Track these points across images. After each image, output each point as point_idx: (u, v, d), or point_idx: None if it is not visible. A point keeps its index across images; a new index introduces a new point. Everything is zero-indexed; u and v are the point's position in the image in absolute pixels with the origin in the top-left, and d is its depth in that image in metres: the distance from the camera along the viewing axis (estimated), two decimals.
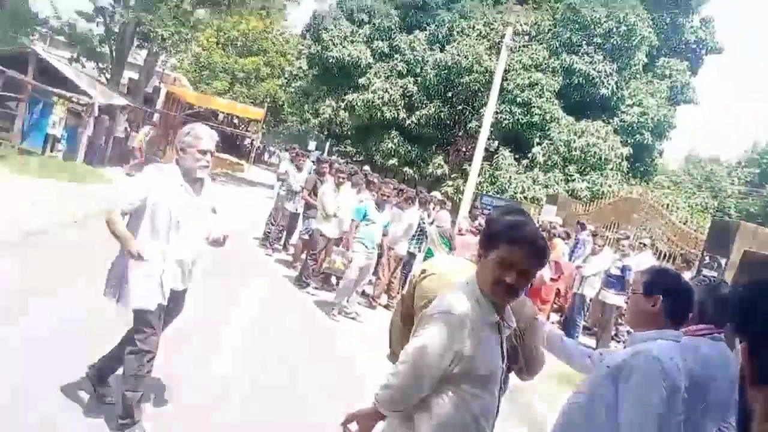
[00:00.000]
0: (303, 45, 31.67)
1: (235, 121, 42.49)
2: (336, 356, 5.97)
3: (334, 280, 8.82)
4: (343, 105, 24.81)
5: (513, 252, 1.95)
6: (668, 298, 2.40)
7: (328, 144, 33.51)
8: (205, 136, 3.44)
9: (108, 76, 21.47)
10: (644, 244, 9.85)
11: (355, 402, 4.65)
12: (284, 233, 10.60)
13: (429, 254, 7.33)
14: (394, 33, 24.43)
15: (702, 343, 2.81)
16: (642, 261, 8.76)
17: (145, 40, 20.93)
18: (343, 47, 24.13)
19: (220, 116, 38.95)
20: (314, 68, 27.62)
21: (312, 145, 37.40)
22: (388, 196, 8.14)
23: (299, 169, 10.30)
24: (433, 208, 11.29)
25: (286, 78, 39.19)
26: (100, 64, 22.59)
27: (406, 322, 2.70)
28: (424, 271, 2.60)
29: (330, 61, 24.45)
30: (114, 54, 21.17)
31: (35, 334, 4.34)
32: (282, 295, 7.75)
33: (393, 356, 2.71)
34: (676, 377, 2.21)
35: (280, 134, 53.17)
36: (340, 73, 24.84)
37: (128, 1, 20.12)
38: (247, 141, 41.50)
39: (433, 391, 1.96)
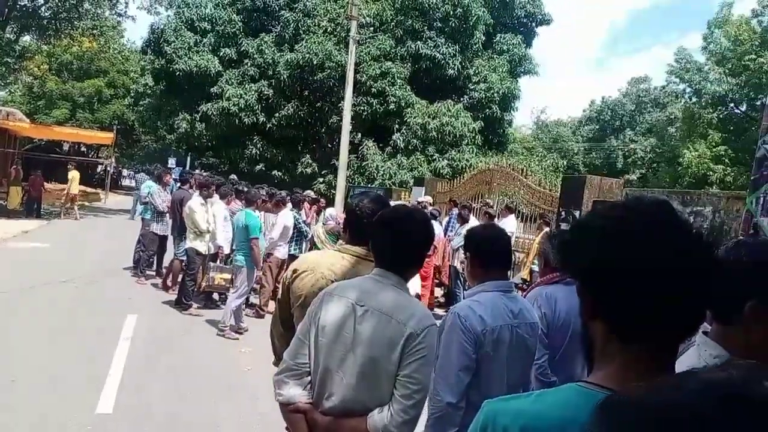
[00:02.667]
0: (145, 61, 30.08)
1: (83, 149, 39.66)
2: (238, 372, 5.87)
3: (216, 296, 8.63)
4: (198, 117, 23.94)
5: None
6: (476, 253, 2.58)
7: (189, 158, 32.18)
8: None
9: None
10: (509, 209, 10.46)
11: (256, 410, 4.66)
12: (155, 257, 10.17)
13: None
14: (240, 38, 23.94)
15: (555, 290, 3.12)
16: (506, 224, 9.41)
17: None
18: (189, 58, 23.19)
19: (65, 146, 36.18)
20: (161, 83, 26.33)
21: (172, 161, 35.74)
22: (256, 202, 8.02)
23: (165, 188, 9.91)
24: (310, 207, 11.38)
25: (132, 97, 37.11)
26: None
27: (285, 326, 2.65)
28: (295, 271, 2.61)
29: (177, 74, 23.41)
30: None
31: None
32: (165, 323, 7.45)
33: (279, 362, 2.72)
34: (475, 326, 2.37)
35: (135, 156, 50.27)
36: (190, 84, 23.88)
37: None
38: (100, 168, 38.97)
39: None
